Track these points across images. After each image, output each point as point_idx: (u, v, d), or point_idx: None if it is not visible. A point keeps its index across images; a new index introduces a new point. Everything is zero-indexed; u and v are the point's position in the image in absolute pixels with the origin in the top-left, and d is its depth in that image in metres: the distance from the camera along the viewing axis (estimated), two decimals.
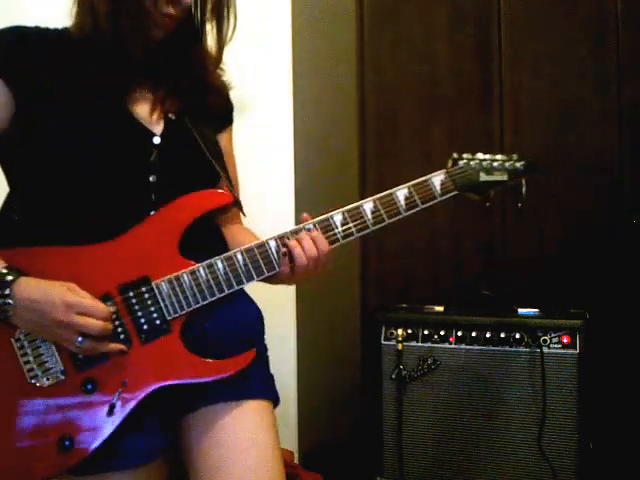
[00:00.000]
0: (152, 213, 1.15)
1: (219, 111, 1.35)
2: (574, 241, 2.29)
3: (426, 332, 2.06)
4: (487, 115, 2.33)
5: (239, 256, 1.16)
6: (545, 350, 1.95)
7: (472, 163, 1.30)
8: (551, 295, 2.21)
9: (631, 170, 2.27)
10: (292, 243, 1.17)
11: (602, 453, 2.05)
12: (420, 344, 2.06)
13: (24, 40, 1.15)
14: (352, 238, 1.23)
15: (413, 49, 2.33)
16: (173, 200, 1.15)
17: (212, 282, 1.14)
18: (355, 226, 1.22)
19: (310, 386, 2.66)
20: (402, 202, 1.24)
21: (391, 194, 1.24)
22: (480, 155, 1.32)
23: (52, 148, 1.12)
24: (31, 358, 1.08)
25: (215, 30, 1.22)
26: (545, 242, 2.30)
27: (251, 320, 1.27)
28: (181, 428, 1.18)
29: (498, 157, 1.33)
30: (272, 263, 1.17)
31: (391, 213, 1.23)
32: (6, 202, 1.20)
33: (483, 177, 1.30)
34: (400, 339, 2.06)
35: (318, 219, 1.21)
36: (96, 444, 1.06)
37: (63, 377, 1.08)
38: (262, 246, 1.18)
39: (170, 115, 1.22)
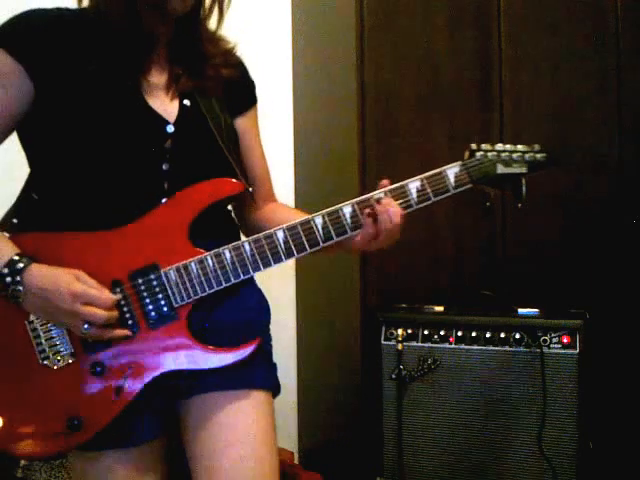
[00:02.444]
0: (164, 201, 1.16)
1: (237, 90, 1.32)
2: (574, 241, 2.28)
3: (426, 332, 2.05)
4: (487, 115, 2.33)
5: (247, 246, 1.17)
6: (545, 350, 1.95)
7: (490, 155, 1.25)
8: (551, 295, 2.21)
9: (631, 170, 2.27)
10: (380, 207, 1.17)
11: (602, 453, 2.05)
12: (420, 344, 2.06)
13: (43, 24, 1.14)
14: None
15: (413, 49, 2.32)
16: (185, 188, 1.17)
17: (219, 271, 1.15)
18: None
19: (310, 386, 2.66)
20: (414, 195, 1.21)
21: (402, 186, 1.21)
22: (499, 146, 1.26)
23: (68, 133, 1.13)
24: (43, 340, 1.12)
25: (217, 5, 1.22)
26: (545, 242, 2.30)
27: (255, 312, 1.29)
28: (180, 411, 1.21)
29: (519, 148, 1.27)
30: (279, 254, 1.17)
31: (402, 207, 1.20)
32: (26, 183, 1.22)
33: (501, 169, 1.25)
34: (400, 339, 2.05)
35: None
36: (103, 425, 1.10)
37: (73, 359, 1.12)
38: (270, 237, 1.17)
39: (185, 101, 1.21)
